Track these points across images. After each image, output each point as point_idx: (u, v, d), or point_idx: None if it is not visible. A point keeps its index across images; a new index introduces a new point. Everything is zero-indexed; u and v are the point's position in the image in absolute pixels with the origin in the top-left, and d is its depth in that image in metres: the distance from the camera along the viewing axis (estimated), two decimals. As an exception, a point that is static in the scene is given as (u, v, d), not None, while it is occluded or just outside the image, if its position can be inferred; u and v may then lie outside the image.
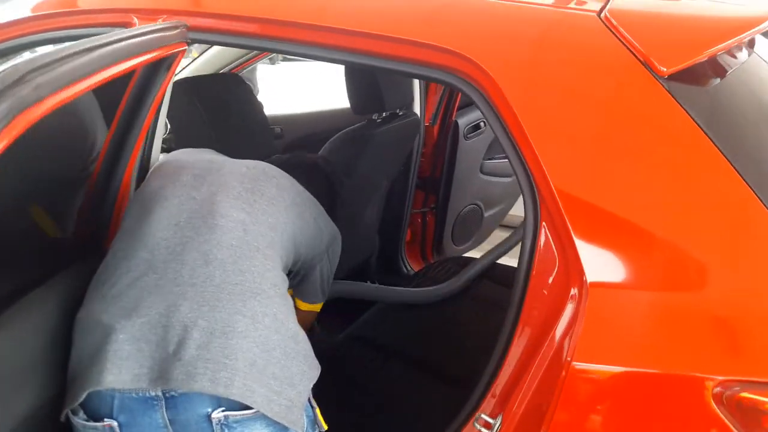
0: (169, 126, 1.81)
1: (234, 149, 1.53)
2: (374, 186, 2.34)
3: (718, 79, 1.13)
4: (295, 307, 1.43)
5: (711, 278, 0.94)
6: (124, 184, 1.35)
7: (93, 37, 1.00)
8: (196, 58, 2.78)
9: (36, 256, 1.27)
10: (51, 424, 1.10)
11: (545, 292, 1.05)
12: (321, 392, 1.62)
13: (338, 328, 2.11)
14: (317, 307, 1.62)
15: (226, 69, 2.79)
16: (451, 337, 1.87)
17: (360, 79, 2.00)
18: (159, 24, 1.26)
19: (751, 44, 1.25)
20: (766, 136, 1.12)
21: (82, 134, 1.39)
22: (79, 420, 1.08)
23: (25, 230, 1.30)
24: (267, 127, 1.77)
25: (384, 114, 2.12)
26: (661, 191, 0.98)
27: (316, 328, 2.07)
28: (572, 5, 1.17)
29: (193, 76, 1.82)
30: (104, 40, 0.99)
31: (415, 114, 2.36)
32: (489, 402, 1.10)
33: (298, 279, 1.49)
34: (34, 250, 1.28)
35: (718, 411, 0.87)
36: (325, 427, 1.20)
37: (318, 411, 1.19)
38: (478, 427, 1.10)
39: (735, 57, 1.19)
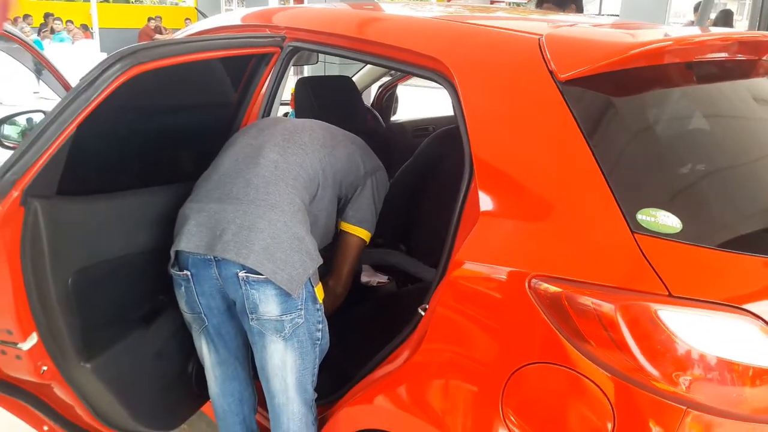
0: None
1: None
2: None
3: (622, 89, 1.49)
4: (342, 231, 1.97)
5: (549, 215, 1.35)
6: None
7: (201, 37, 1.69)
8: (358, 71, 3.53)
9: (174, 169, 1.98)
10: (164, 268, 1.79)
11: (469, 219, 1.51)
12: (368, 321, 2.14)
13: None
14: (360, 232, 1.95)
15: (378, 84, 3.50)
16: None
17: None
18: (251, 34, 1.93)
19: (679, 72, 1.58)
20: (632, 137, 1.46)
21: (226, 101, 2.10)
22: (173, 270, 1.76)
23: (172, 156, 2.03)
24: (362, 113, 2.33)
25: None
26: (534, 158, 1.41)
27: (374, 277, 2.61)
28: (528, 30, 1.61)
29: (311, 76, 2.49)
30: (202, 40, 1.67)
31: None
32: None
33: (345, 200, 1.96)
34: (175, 166, 2.00)
35: (530, 294, 1.30)
36: (321, 301, 1.75)
37: (318, 289, 1.74)
38: (420, 311, 1.58)
39: (654, 75, 1.54)
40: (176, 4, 24.60)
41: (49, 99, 11.66)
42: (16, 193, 1.36)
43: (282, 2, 16.69)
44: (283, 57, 2.02)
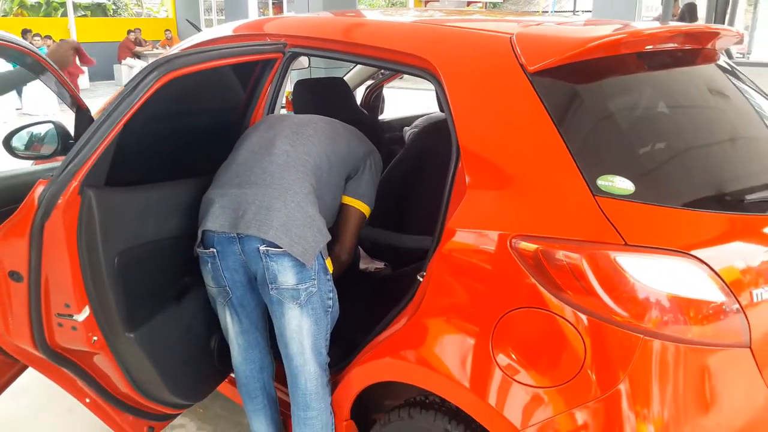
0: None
1: None
2: None
3: (583, 77, 1.75)
4: (344, 204, 2.21)
5: (524, 185, 1.61)
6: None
7: (217, 46, 1.93)
8: (346, 74, 3.78)
9: (194, 163, 2.21)
10: (188, 253, 2.02)
11: (458, 194, 1.76)
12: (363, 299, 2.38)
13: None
14: (360, 206, 2.20)
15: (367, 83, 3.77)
16: None
17: None
18: (258, 42, 2.18)
19: (644, 61, 1.84)
20: (593, 118, 1.72)
21: (236, 103, 2.35)
22: (200, 250, 2.00)
23: (191, 152, 2.26)
24: (353, 109, 2.60)
25: None
26: (510, 139, 1.67)
27: (382, 267, 2.86)
28: (501, 30, 1.87)
29: (308, 78, 2.76)
30: (219, 49, 1.92)
31: None
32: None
33: (349, 179, 2.22)
34: (197, 162, 2.23)
35: (511, 251, 1.56)
36: (331, 270, 2.00)
37: (328, 262, 1.99)
38: (419, 277, 1.82)
39: (616, 66, 1.80)
40: (150, 15, 24.67)
41: (31, 115, 11.81)
42: (75, 184, 1.61)
43: (261, 12, 16.93)
44: (284, 62, 2.27)
